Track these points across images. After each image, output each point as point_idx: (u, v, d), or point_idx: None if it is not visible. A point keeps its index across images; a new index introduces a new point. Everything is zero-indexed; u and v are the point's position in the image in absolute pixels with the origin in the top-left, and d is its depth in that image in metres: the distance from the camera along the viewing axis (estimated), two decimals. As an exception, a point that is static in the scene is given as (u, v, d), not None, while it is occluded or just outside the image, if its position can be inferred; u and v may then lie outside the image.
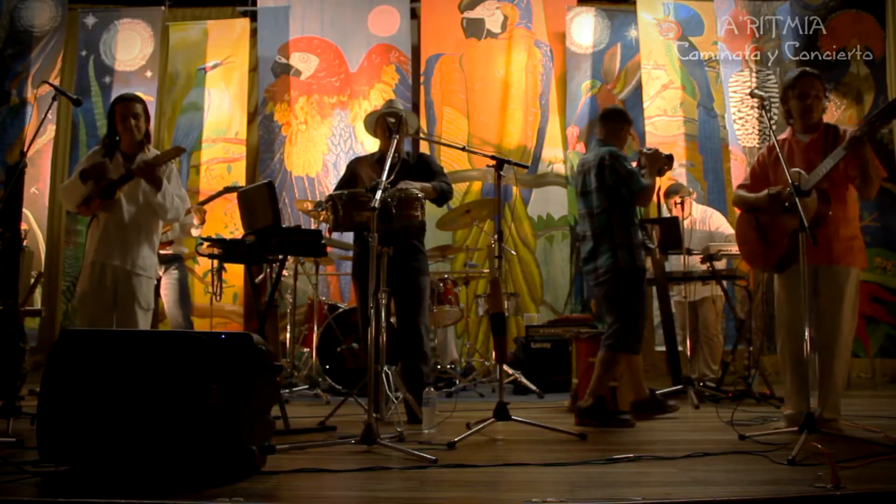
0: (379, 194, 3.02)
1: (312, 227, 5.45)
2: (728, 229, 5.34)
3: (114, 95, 6.48)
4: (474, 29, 7.01)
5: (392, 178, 3.28)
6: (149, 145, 3.74)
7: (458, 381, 5.35)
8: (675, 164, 4.66)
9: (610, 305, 3.70)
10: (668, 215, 5.30)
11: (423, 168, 3.99)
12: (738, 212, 3.64)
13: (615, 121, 3.86)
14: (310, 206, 5.35)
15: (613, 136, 3.82)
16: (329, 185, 6.64)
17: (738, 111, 6.49)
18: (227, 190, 5.26)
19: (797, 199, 2.89)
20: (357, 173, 4.04)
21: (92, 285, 3.61)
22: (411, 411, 3.71)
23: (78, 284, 3.74)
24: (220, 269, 4.33)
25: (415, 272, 3.89)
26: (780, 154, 3.12)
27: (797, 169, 3.23)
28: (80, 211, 3.76)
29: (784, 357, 3.40)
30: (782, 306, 3.43)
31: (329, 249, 5.27)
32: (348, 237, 5.79)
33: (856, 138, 3.04)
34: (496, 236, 3.51)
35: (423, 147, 6.66)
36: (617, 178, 3.65)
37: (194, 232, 5.05)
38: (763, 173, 3.47)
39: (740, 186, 3.59)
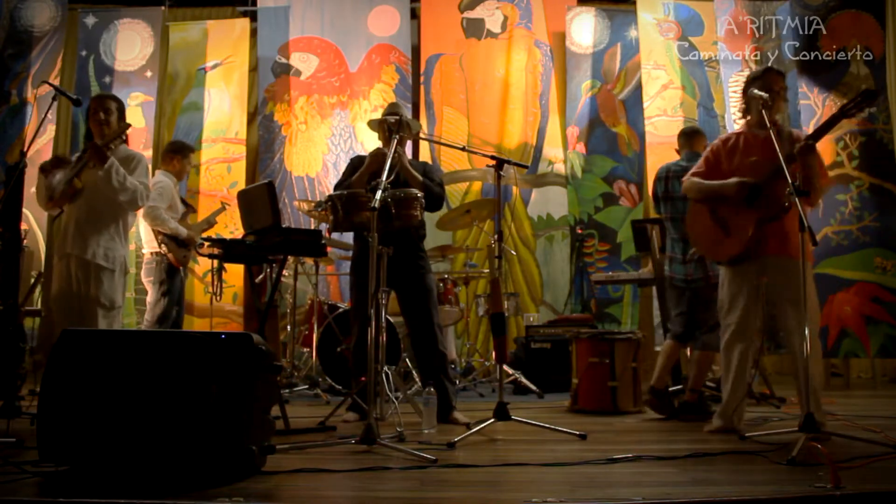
0: (379, 194, 3.03)
1: (312, 227, 5.45)
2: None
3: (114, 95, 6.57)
4: (474, 29, 7.00)
5: (392, 177, 3.28)
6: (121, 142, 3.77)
7: (458, 381, 5.35)
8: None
9: (707, 306, 3.93)
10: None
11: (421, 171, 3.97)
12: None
13: (701, 136, 4.37)
14: (310, 206, 5.36)
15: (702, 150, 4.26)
16: (329, 185, 6.64)
17: (738, 111, 6.47)
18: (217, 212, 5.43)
19: (797, 199, 2.89)
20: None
21: (59, 286, 3.61)
22: (443, 402, 3.72)
23: (52, 283, 3.74)
24: (220, 269, 4.34)
25: (421, 270, 3.88)
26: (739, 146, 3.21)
27: (755, 158, 3.30)
28: (48, 207, 3.78)
29: (733, 360, 3.29)
30: (729, 303, 3.35)
31: (329, 249, 5.27)
32: (348, 237, 5.80)
33: (808, 146, 3.09)
34: (496, 236, 3.51)
35: (424, 147, 6.67)
36: None
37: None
38: (717, 163, 3.50)
39: (694, 174, 3.54)
